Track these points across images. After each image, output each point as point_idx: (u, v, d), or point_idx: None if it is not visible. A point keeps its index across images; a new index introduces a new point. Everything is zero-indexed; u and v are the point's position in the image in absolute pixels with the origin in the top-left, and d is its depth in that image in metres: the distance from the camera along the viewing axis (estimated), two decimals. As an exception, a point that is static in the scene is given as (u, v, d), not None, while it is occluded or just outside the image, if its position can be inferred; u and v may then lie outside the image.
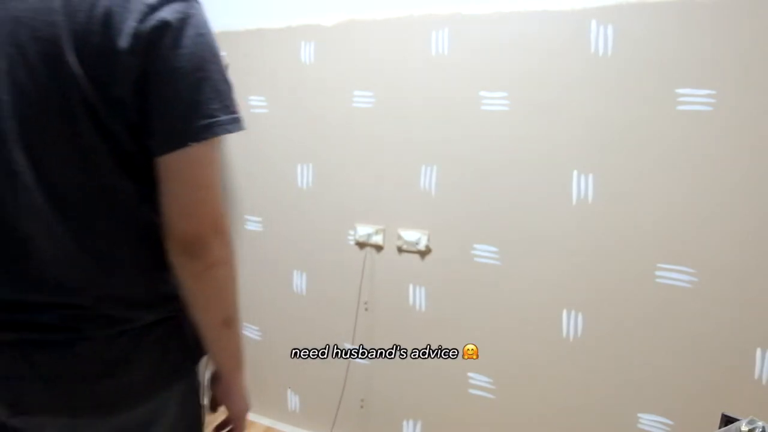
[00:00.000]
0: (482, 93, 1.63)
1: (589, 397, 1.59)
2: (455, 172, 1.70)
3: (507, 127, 1.61)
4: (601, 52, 1.48)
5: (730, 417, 0.88)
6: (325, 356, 1.98)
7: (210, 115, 0.68)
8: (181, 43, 0.65)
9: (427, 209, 1.75)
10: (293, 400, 2.08)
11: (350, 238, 1.89)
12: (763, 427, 0.76)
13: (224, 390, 0.87)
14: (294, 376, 2.06)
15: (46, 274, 0.70)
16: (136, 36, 0.63)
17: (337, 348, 1.96)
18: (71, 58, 0.63)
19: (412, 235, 1.77)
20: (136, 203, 0.72)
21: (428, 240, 1.76)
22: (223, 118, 0.69)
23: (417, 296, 1.81)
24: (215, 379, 0.87)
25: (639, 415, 1.54)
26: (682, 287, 1.45)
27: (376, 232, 1.83)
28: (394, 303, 1.84)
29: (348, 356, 1.94)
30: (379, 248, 1.85)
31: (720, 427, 0.88)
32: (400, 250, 1.81)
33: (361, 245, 1.87)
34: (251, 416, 2.13)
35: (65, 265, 0.70)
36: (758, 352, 1.39)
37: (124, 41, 0.63)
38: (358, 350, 1.92)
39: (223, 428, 0.90)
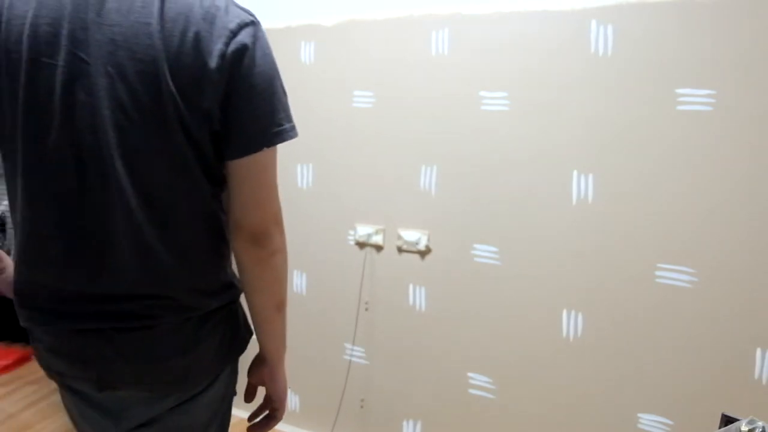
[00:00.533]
0: (482, 93, 1.63)
1: (589, 397, 1.59)
2: (455, 172, 1.70)
3: (507, 127, 1.61)
4: (601, 52, 1.48)
5: (730, 417, 0.88)
6: (325, 356, 1.98)
7: (278, 123, 0.79)
8: (255, 62, 0.76)
9: (427, 209, 1.75)
10: (293, 400, 2.08)
11: (350, 238, 1.89)
12: (763, 427, 0.76)
13: (270, 372, 0.97)
14: (294, 376, 2.06)
15: (132, 268, 0.78)
16: (222, 57, 0.73)
17: (337, 348, 1.96)
18: (167, 77, 0.71)
19: (412, 235, 1.77)
20: (209, 201, 0.82)
21: (428, 240, 1.76)
22: (287, 126, 0.81)
23: (417, 296, 1.81)
24: (256, 365, 0.97)
25: (639, 415, 1.54)
26: (682, 287, 1.45)
27: (376, 232, 1.83)
28: (394, 303, 1.84)
29: (348, 356, 1.94)
30: (379, 248, 1.85)
31: (720, 427, 0.88)
32: (400, 250, 1.81)
33: (361, 245, 1.87)
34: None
35: (150, 259, 0.78)
36: (758, 352, 1.39)
37: (213, 62, 0.73)
38: (358, 350, 1.92)
39: (263, 411, 0.99)
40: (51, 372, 0.86)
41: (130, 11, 0.72)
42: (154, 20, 0.71)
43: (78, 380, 0.84)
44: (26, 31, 0.72)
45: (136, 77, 0.72)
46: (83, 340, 0.80)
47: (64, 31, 0.71)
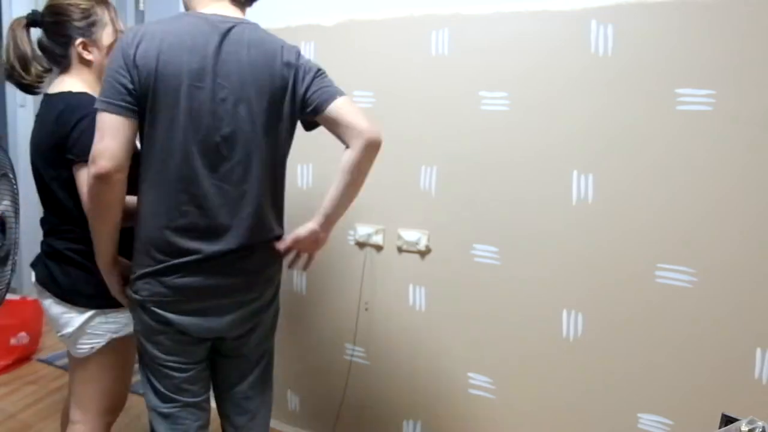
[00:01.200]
0: (482, 93, 1.63)
1: (589, 397, 1.59)
2: (455, 172, 1.70)
3: (507, 127, 1.61)
4: (601, 52, 1.48)
5: (730, 417, 0.88)
6: (326, 356, 1.98)
7: (335, 86, 1.25)
8: (306, 60, 1.25)
9: (427, 209, 1.75)
10: (293, 400, 2.08)
11: (350, 238, 1.89)
12: (763, 427, 0.76)
13: (328, 228, 1.32)
14: (294, 376, 2.06)
15: (241, 224, 1.19)
16: (295, 64, 1.22)
17: (337, 348, 1.96)
18: (277, 90, 1.20)
19: (412, 235, 1.77)
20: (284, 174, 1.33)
21: (428, 240, 1.76)
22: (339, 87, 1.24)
23: (417, 296, 1.81)
24: (307, 231, 1.29)
25: (639, 415, 1.54)
26: (682, 287, 1.45)
27: (376, 232, 1.83)
28: (394, 303, 1.84)
29: (349, 356, 1.94)
30: (379, 248, 1.85)
31: (720, 427, 0.88)
32: (400, 250, 1.81)
33: (361, 245, 1.87)
34: (251, 416, 2.13)
35: (252, 219, 1.20)
36: (758, 352, 1.39)
37: (294, 72, 1.22)
38: (359, 350, 1.92)
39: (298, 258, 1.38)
40: (180, 295, 1.18)
41: (248, 54, 1.17)
42: (262, 58, 1.18)
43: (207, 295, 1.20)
44: (183, 68, 1.10)
45: (255, 92, 1.16)
46: (222, 274, 1.19)
47: (208, 68, 1.12)
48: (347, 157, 1.20)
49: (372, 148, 1.20)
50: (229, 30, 1.16)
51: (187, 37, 1.11)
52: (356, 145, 1.19)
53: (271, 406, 1.41)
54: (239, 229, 1.18)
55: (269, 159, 1.23)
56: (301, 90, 1.22)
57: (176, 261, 1.15)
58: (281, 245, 1.28)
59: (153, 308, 1.16)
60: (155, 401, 1.24)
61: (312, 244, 1.31)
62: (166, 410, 1.24)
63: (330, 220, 1.29)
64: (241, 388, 1.33)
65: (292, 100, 1.22)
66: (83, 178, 1.18)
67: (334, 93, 1.21)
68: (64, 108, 1.22)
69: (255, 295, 1.26)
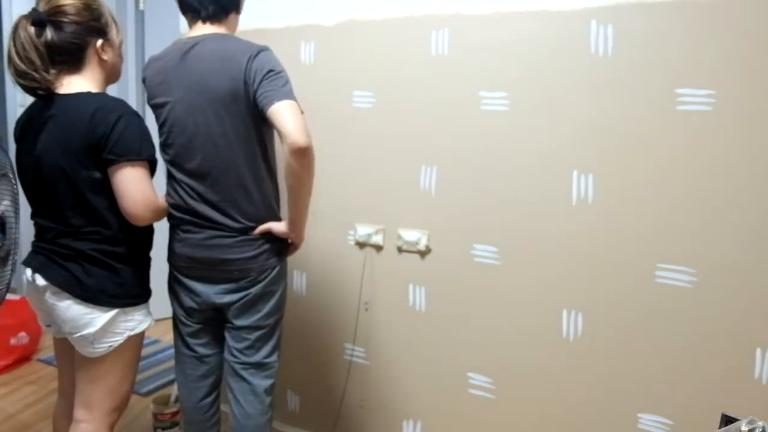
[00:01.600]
0: (482, 93, 1.63)
1: (589, 398, 1.59)
2: (455, 172, 1.70)
3: (507, 127, 1.61)
4: (601, 52, 1.48)
5: (730, 417, 0.88)
6: (325, 356, 1.98)
7: (280, 90, 1.30)
8: (259, 62, 1.32)
9: (427, 209, 1.75)
10: (293, 400, 2.08)
11: (350, 238, 1.89)
12: (763, 427, 0.76)
13: (299, 228, 1.46)
14: (294, 376, 2.06)
15: (232, 206, 1.39)
16: (246, 66, 1.31)
17: (337, 348, 1.96)
18: (238, 93, 1.32)
19: (412, 235, 1.77)
20: (261, 159, 1.40)
21: (428, 240, 1.76)
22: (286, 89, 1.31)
23: (417, 296, 1.81)
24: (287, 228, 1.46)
25: (639, 415, 1.54)
26: (682, 287, 1.45)
27: (376, 232, 1.83)
28: (394, 303, 1.84)
29: (348, 356, 1.94)
30: (379, 248, 1.85)
31: (720, 427, 0.88)
32: (400, 250, 1.81)
33: (361, 245, 1.87)
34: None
35: (238, 199, 1.38)
36: (758, 352, 1.39)
37: (251, 71, 1.31)
38: (359, 350, 1.92)
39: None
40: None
41: (209, 73, 1.32)
42: (216, 66, 1.33)
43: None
44: (163, 88, 1.38)
45: (208, 98, 1.33)
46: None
47: (169, 83, 1.37)
48: (284, 161, 1.28)
49: (297, 153, 1.23)
50: (191, 48, 1.34)
51: (161, 62, 1.41)
52: (284, 150, 1.25)
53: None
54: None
55: (235, 155, 1.34)
56: (251, 91, 1.30)
57: None
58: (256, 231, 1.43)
59: None
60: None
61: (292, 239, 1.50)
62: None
63: (294, 221, 1.42)
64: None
65: (247, 101, 1.31)
66: (128, 176, 1.23)
67: (273, 98, 1.26)
68: (97, 108, 1.22)
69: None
